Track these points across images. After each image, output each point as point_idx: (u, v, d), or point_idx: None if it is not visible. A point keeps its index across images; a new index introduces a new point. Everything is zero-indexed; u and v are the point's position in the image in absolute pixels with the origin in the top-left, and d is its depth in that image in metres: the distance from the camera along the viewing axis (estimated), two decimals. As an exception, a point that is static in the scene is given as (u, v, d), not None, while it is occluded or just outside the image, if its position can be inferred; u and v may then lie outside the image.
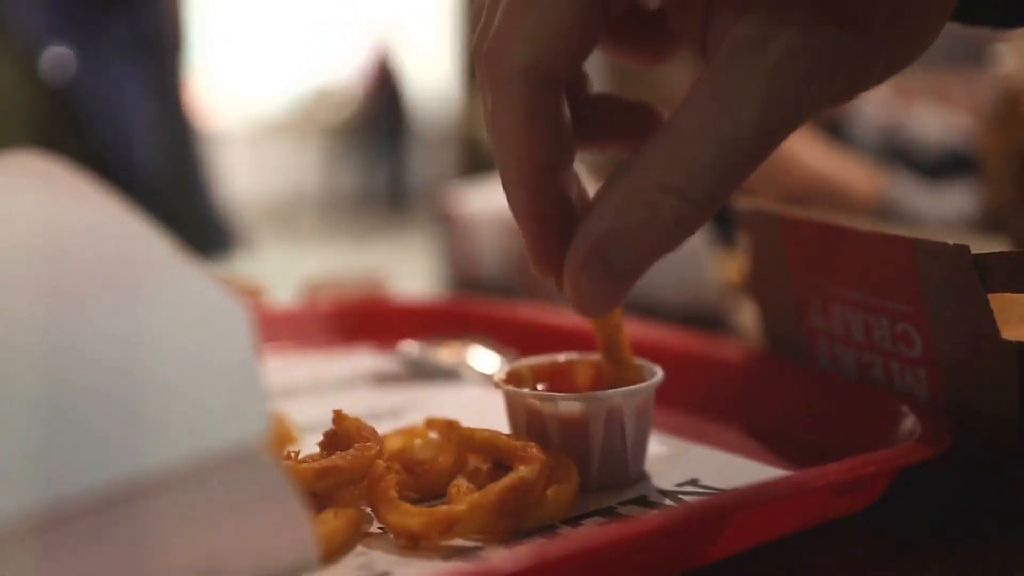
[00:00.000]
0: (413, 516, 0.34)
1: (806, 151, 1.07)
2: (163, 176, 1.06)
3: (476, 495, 0.35)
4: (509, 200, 0.35)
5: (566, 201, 0.35)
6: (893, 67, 0.33)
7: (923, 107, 1.34)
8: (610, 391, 0.40)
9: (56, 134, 0.95)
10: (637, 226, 0.32)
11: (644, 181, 0.32)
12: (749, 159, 0.31)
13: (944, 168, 1.13)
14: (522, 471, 0.36)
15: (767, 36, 0.31)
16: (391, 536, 0.35)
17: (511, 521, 0.35)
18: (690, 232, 0.32)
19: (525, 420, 0.41)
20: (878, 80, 0.33)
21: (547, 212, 0.35)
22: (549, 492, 0.36)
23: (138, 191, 0.99)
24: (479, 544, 0.35)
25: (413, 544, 0.34)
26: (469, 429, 0.40)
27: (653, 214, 0.31)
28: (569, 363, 0.44)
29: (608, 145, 0.40)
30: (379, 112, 6.53)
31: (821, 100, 0.32)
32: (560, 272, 0.34)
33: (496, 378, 0.42)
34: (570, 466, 0.38)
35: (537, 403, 0.40)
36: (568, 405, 0.40)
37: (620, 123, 0.40)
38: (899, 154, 1.16)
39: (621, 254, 0.32)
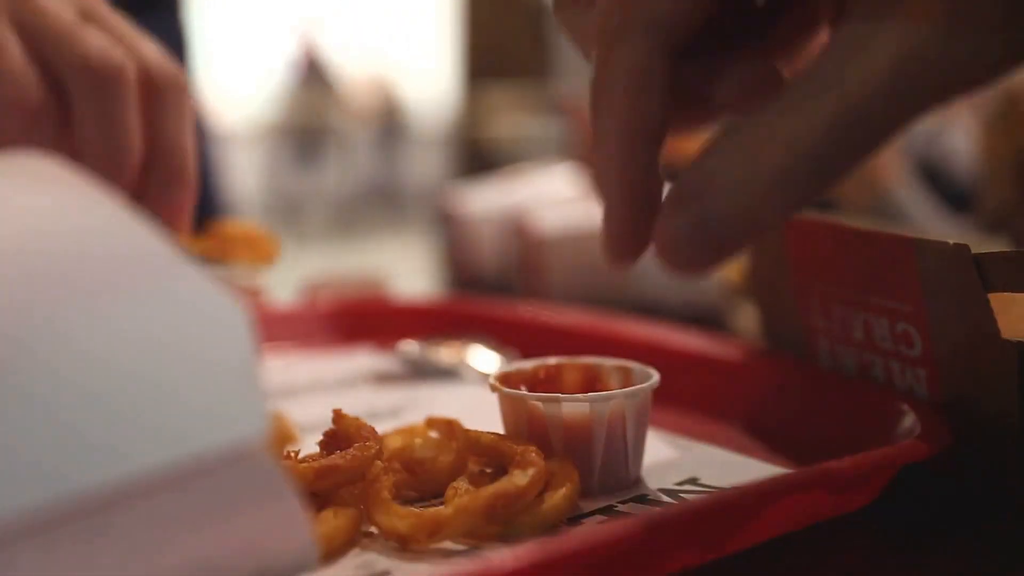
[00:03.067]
0: (402, 518, 0.34)
1: None
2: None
3: (465, 499, 0.35)
4: (601, 168, 0.32)
5: (657, 179, 0.32)
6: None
7: (961, 120, 1.30)
8: (612, 391, 0.40)
9: None
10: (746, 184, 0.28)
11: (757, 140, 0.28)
12: (871, 122, 0.27)
13: (953, 199, 1.11)
14: (514, 477, 0.36)
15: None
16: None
17: (500, 526, 0.35)
18: (801, 197, 0.28)
19: (526, 423, 0.40)
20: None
21: (639, 186, 0.31)
22: (546, 499, 0.36)
23: None
24: (478, 545, 0.35)
25: (403, 546, 0.34)
26: (476, 432, 0.39)
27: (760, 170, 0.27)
28: (559, 366, 0.44)
29: (712, 117, 0.36)
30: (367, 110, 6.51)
31: (958, 76, 0.27)
32: (636, 253, 0.32)
33: (491, 381, 0.42)
34: (571, 472, 0.38)
35: (540, 405, 0.40)
36: (571, 407, 0.40)
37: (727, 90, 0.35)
38: (932, 167, 1.13)
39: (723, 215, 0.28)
